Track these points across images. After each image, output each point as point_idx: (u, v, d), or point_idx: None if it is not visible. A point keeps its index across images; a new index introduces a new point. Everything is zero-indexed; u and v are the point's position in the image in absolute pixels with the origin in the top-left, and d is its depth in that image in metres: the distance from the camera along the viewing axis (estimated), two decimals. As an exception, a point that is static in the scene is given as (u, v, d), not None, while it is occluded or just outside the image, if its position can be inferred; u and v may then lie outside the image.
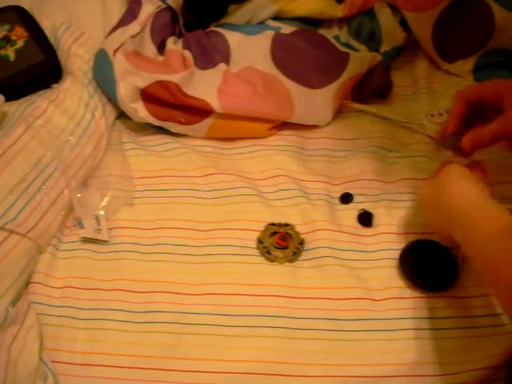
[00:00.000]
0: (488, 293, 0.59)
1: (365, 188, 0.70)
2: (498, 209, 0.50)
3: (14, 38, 0.81)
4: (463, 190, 0.54)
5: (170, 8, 0.85)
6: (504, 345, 0.55)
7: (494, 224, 0.49)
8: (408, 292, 0.60)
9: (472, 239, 0.50)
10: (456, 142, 0.66)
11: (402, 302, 0.59)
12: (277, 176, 0.72)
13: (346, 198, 0.70)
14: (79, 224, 0.68)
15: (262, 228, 0.66)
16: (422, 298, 0.59)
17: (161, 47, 0.83)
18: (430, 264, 0.61)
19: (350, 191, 0.70)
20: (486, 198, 0.52)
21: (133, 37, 0.81)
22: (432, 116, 0.75)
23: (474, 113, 0.64)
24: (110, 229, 0.68)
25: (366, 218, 0.67)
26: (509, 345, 0.55)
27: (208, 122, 0.76)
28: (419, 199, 0.64)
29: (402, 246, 0.63)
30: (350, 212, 0.68)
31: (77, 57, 0.80)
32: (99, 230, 0.67)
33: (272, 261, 0.64)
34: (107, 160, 0.76)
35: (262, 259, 0.64)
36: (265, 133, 0.78)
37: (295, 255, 0.64)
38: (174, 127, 0.77)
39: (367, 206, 0.68)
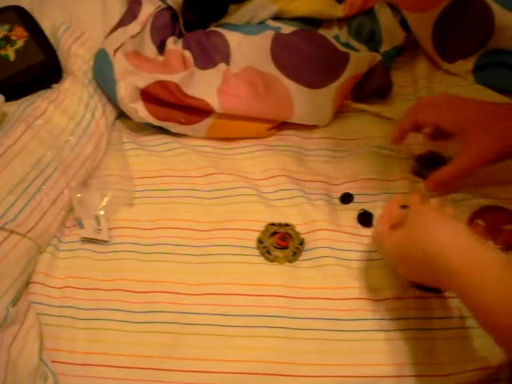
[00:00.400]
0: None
1: (365, 188, 0.70)
2: (493, 251, 0.45)
3: (13, 37, 0.81)
4: (450, 235, 0.48)
5: (170, 8, 0.85)
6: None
7: (492, 268, 0.44)
8: (407, 292, 0.60)
9: (470, 287, 0.44)
10: (419, 170, 0.68)
11: (401, 303, 0.59)
12: (277, 176, 0.72)
13: (347, 198, 0.70)
14: (79, 224, 0.68)
15: (262, 228, 0.66)
16: (420, 298, 0.59)
17: (161, 47, 0.83)
18: None
19: (350, 191, 0.70)
20: (478, 240, 0.46)
21: (133, 37, 0.81)
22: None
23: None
24: (109, 229, 0.68)
25: (366, 218, 0.67)
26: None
27: (208, 121, 0.76)
28: (385, 251, 0.56)
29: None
30: (350, 212, 0.68)
31: (77, 57, 0.80)
32: (99, 229, 0.67)
33: (272, 261, 0.64)
34: (107, 160, 0.76)
35: (261, 259, 0.64)
36: (265, 133, 0.78)
37: (295, 255, 0.64)
38: (174, 127, 0.77)
39: (367, 206, 0.68)
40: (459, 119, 0.60)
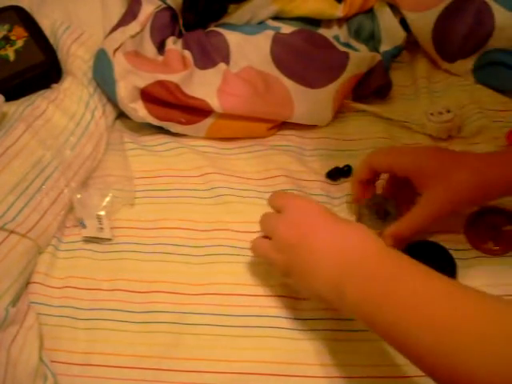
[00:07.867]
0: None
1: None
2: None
3: (13, 38, 0.81)
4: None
5: (169, 8, 0.85)
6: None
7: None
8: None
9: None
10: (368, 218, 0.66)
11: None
12: (276, 176, 0.72)
13: (336, 174, 0.71)
14: (81, 224, 0.68)
15: (262, 228, 0.66)
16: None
17: (160, 47, 0.83)
18: (428, 265, 0.61)
19: (350, 192, 0.70)
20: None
21: (132, 37, 0.81)
22: (432, 115, 0.75)
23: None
24: (110, 228, 0.68)
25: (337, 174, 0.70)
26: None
27: (208, 121, 0.76)
28: None
29: (401, 246, 0.63)
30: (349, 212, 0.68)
31: (76, 57, 0.80)
32: (101, 228, 0.67)
33: (272, 261, 0.64)
34: (107, 160, 0.76)
35: (261, 260, 0.64)
36: (265, 133, 0.78)
37: (295, 255, 0.64)
38: (174, 127, 0.77)
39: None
40: (413, 162, 0.58)
